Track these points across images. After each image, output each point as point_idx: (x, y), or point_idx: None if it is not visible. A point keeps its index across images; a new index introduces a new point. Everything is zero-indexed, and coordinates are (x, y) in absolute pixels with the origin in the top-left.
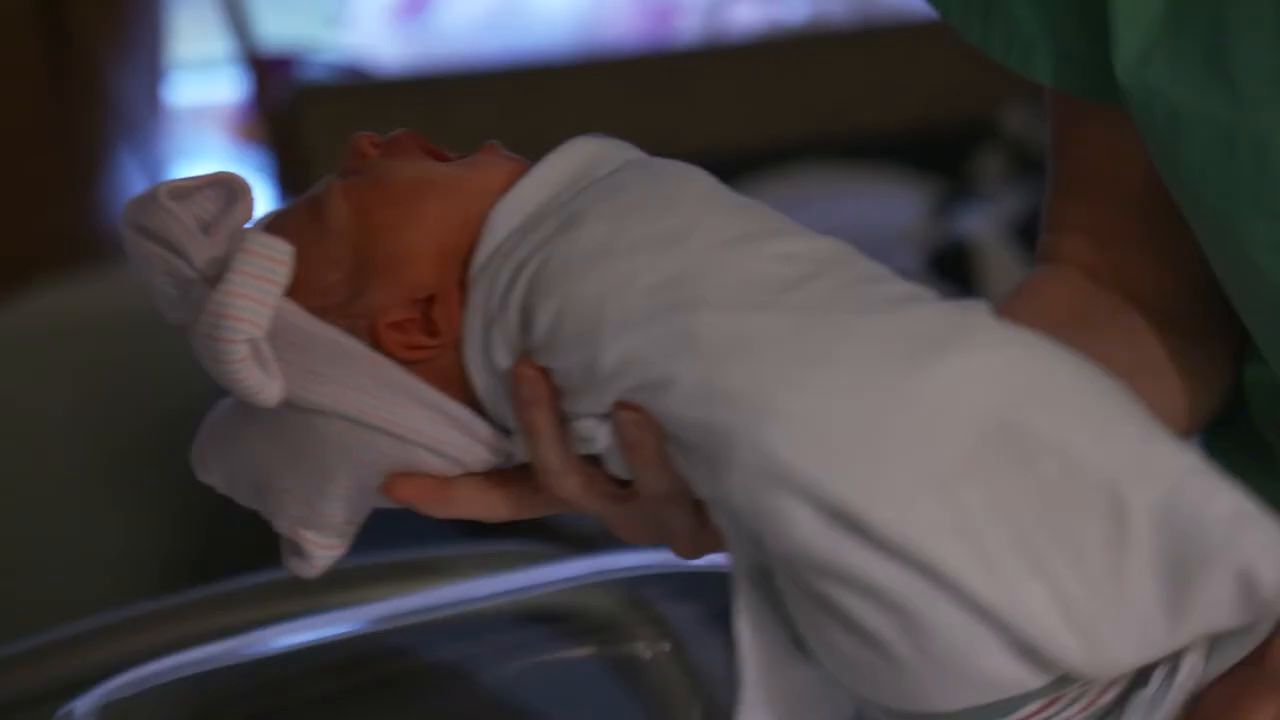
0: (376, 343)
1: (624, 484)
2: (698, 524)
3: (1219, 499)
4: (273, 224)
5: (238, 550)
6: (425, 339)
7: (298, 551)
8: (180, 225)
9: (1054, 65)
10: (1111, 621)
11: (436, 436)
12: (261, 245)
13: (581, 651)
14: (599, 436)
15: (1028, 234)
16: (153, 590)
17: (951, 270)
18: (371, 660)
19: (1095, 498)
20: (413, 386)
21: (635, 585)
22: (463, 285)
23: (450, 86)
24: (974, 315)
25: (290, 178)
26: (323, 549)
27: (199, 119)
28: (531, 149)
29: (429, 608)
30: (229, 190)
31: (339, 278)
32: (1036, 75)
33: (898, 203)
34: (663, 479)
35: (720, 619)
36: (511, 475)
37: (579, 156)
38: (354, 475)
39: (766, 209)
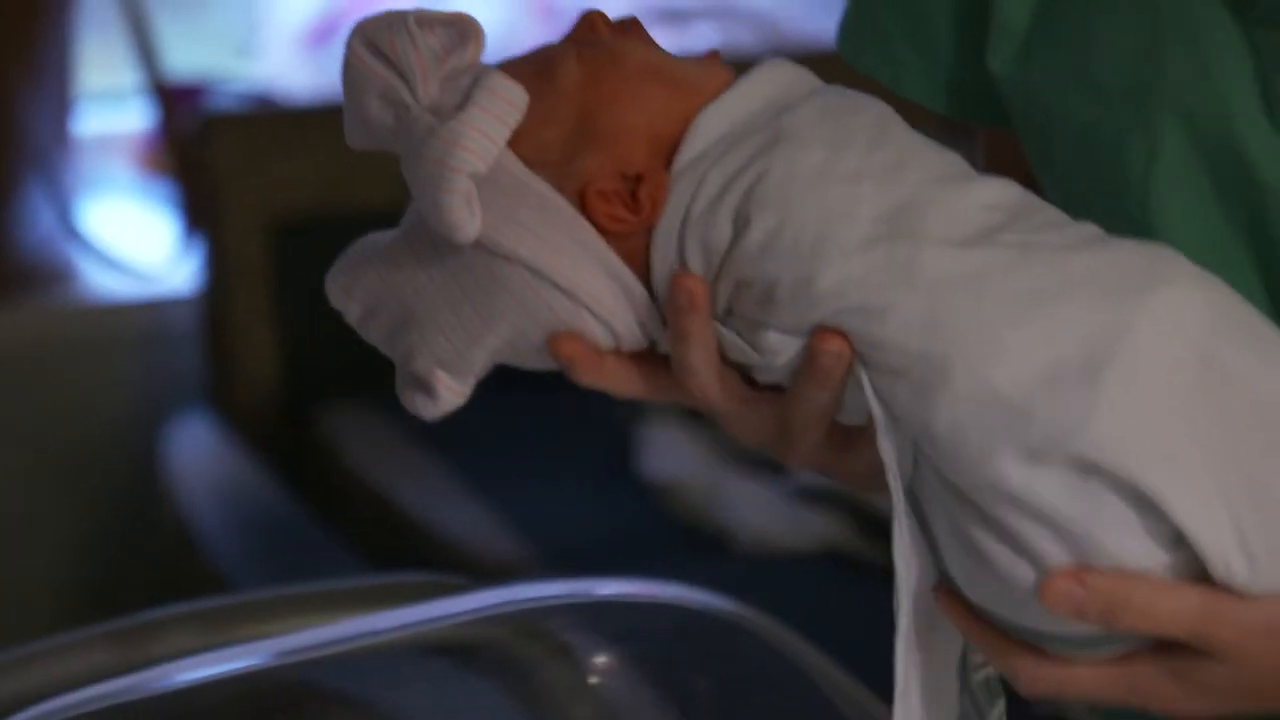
0: (581, 205)
1: (754, 385)
2: (822, 440)
3: None
4: (506, 69)
5: (141, 583)
6: (627, 213)
7: (427, 390)
8: (419, 53)
9: (926, 86)
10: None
11: (610, 307)
12: (501, 86)
13: (488, 684)
14: (784, 351)
15: None
16: (52, 623)
17: None
18: (277, 693)
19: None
20: (604, 254)
21: (542, 616)
22: (668, 173)
23: None
24: (1167, 252)
25: (198, 207)
26: (452, 393)
27: (107, 149)
28: None
29: (335, 640)
30: (462, 30)
31: (558, 136)
32: (909, 94)
33: None
34: (826, 401)
35: (629, 649)
36: (653, 359)
37: (781, 78)
38: (517, 326)
39: (952, 153)
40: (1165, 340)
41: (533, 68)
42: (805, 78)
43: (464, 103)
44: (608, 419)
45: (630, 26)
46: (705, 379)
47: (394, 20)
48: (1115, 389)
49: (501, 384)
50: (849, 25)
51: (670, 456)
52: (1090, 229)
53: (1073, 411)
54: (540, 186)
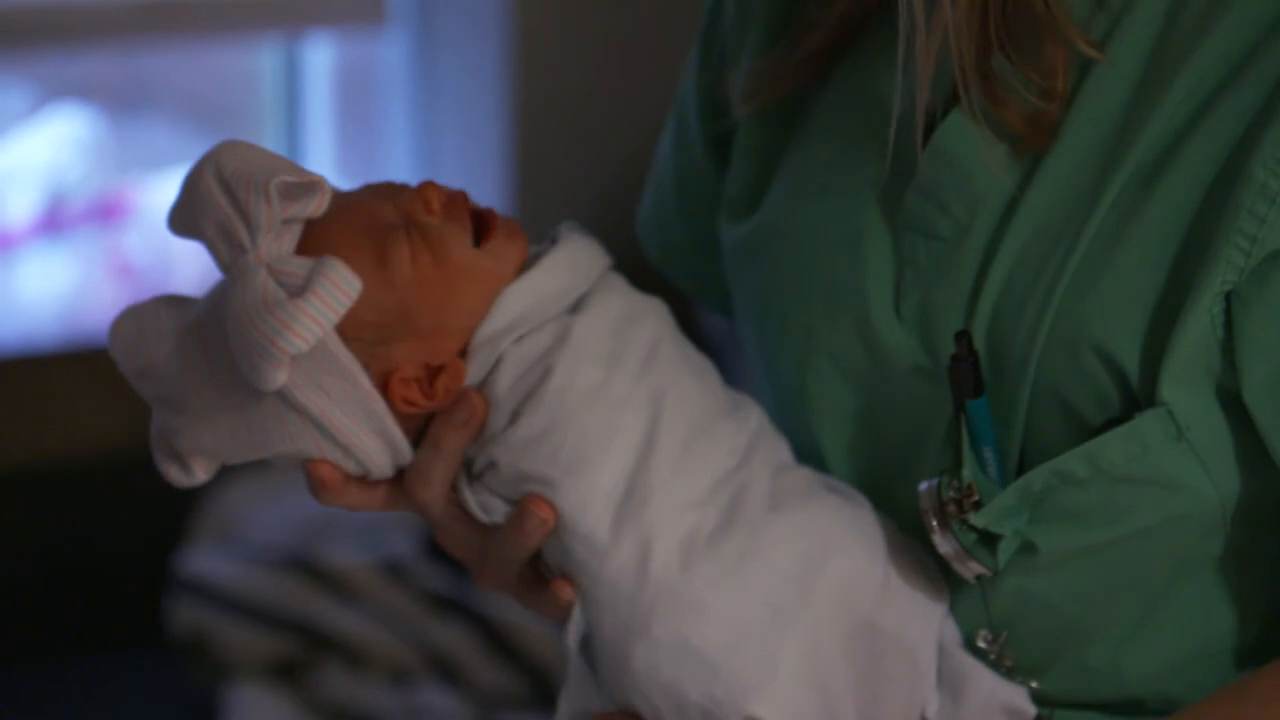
0: (380, 385)
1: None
2: (515, 576)
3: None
4: (339, 238)
5: None
6: (422, 399)
7: (183, 466)
8: (269, 212)
9: (685, 274)
10: None
11: (376, 459)
12: (341, 278)
13: None
14: (501, 511)
15: None
16: None
17: (447, 553)
18: None
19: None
20: (387, 425)
21: None
22: (463, 354)
23: None
24: (849, 513)
25: None
26: (205, 474)
27: None
28: (13, 436)
29: None
30: (312, 189)
31: (376, 321)
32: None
33: None
34: (524, 554)
35: None
36: (389, 480)
37: (577, 259)
38: (284, 453)
39: (709, 373)
40: (837, 613)
41: (366, 240)
42: (598, 257)
43: (303, 288)
44: (187, 684)
45: (457, 205)
46: (436, 491)
47: (253, 177)
48: (793, 657)
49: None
50: (644, 213)
51: (257, 717)
52: (797, 476)
53: (755, 673)
54: (348, 362)
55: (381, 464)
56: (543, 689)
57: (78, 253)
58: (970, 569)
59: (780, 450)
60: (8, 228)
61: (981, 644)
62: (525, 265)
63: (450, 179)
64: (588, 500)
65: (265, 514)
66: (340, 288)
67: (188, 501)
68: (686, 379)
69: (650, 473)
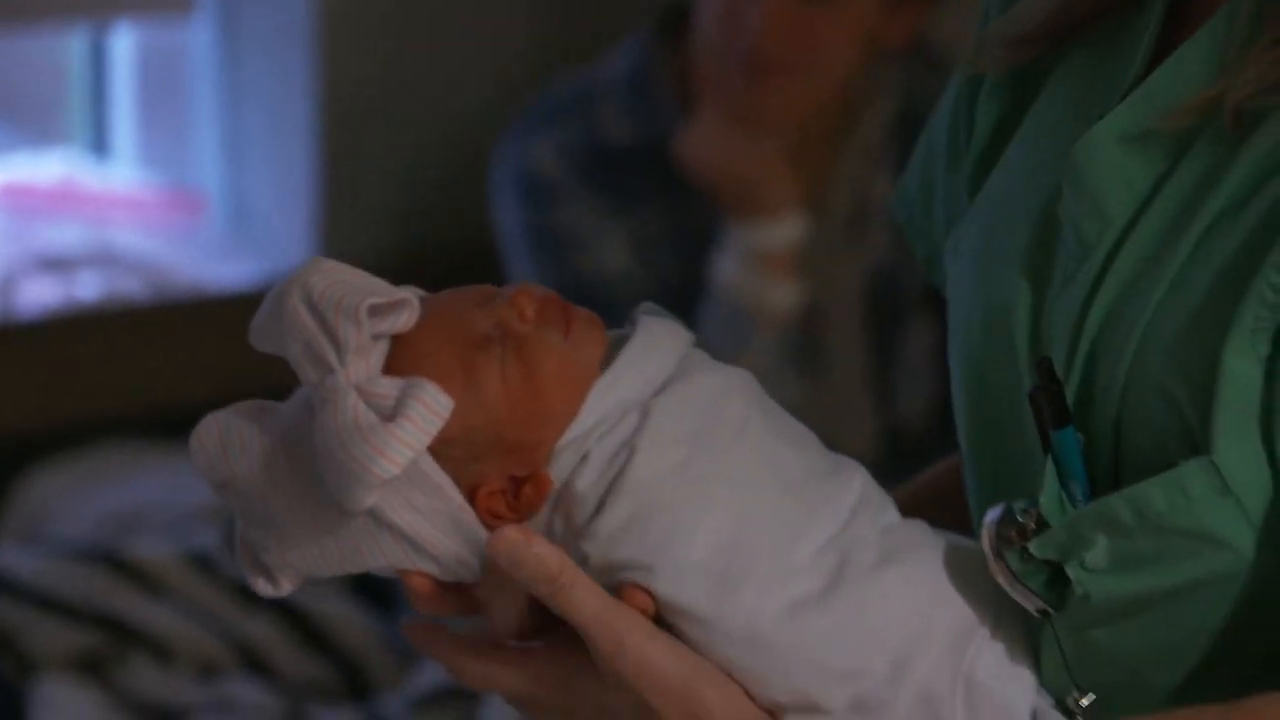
0: (469, 496)
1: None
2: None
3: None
4: (427, 354)
5: None
6: (507, 510)
7: (271, 580)
8: (359, 336)
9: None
10: None
11: (463, 566)
12: (432, 399)
13: None
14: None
15: None
16: None
17: None
18: None
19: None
20: (475, 533)
21: None
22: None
23: None
24: (934, 559)
25: None
26: (293, 586)
27: None
28: None
29: None
30: (400, 307)
31: (463, 437)
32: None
33: (197, 478)
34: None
35: None
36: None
37: (660, 344)
38: (372, 567)
39: (809, 440)
40: (946, 663)
41: (455, 356)
42: (679, 338)
43: (395, 411)
44: None
45: (550, 308)
46: (511, 616)
47: (343, 300)
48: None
49: None
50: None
51: (62, 711)
52: (907, 532)
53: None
54: (439, 479)
55: (474, 569)
56: (353, 680)
57: None
58: (1028, 599)
59: (888, 510)
60: None
61: (1070, 705)
62: (607, 356)
63: (257, 167)
64: (685, 577)
65: (70, 507)
66: (433, 409)
67: None
68: (780, 446)
69: (748, 544)
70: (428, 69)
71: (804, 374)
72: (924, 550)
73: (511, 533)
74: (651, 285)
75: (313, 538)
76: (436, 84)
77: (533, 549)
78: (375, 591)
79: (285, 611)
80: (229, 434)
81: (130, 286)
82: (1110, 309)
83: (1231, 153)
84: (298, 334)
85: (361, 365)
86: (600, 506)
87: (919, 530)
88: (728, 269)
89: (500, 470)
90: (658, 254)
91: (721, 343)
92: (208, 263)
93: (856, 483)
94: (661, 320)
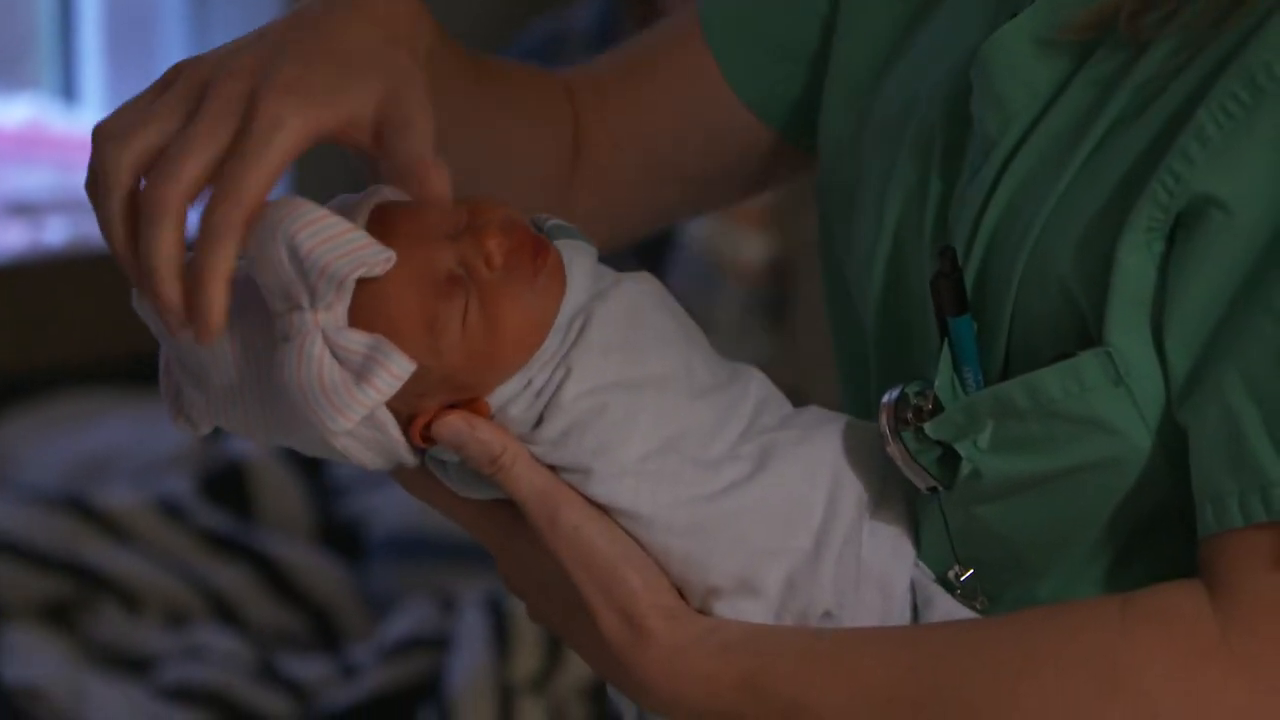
0: (405, 422)
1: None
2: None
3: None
4: (392, 296)
5: None
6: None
7: (190, 422)
8: (338, 295)
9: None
10: None
11: (375, 466)
12: (398, 366)
13: None
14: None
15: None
16: None
17: (225, 492)
18: None
19: None
20: (405, 460)
21: None
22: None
23: None
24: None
25: None
26: (209, 428)
27: None
28: None
29: None
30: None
31: (416, 377)
32: (738, 90)
33: (167, 425)
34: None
35: None
36: None
37: (581, 273)
38: (296, 447)
39: (703, 337)
40: (849, 532)
41: (418, 300)
42: (589, 252)
43: (360, 374)
44: None
45: (519, 252)
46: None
47: (328, 266)
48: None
49: None
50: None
51: (30, 660)
52: (807, 415)
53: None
54: (385, 418)
55: (379, 469)
56: (323, 629)
57: None
58: (920, 477)
59: (785, 403)
60: None
61: (951, 579)
62: None
63: None
64: (623, 479)
65: (38, 454)
66: (395, 375)
67: None
68: (691, 352)
69: (677, 442)
70: None
71: (772, 326)
72: (828, 426)
73: (455, 418)
74: None
75: (246, 411)
76: None
77: (474, 432)
78: (346, 542)
79: (255, 560)
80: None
81: (98, 232)
82: (1009, 203)
83: (1131, 60)
84: (272, 273)
85: (329, 314)
86: (539, 421)
87: (817, 413)
88: (697, 222)
89: (442, 402)
90: None
91: (690, 294)
92: None
93: (754, 383)
94: (573, 237)
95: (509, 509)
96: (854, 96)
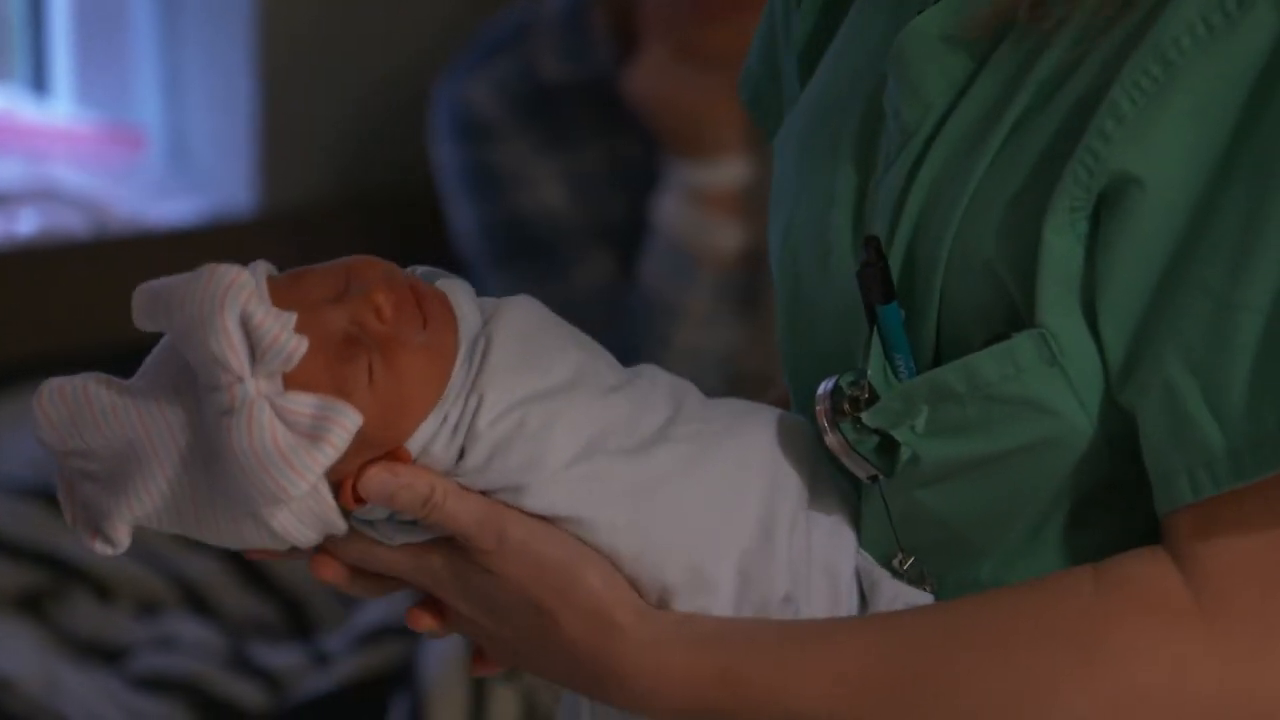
0: (334, 490)
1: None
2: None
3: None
4: (303, 368)
5: None
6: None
7: (106, 540)
8: (284, 368)
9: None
10: None
11: (309, 543)
12: (350, 420)
13: None
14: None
15: None
16: None
17: None
18: None
19: None
20: (337, 528)
21: None
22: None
23: None
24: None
25: None
26: (128, 541)
27: None
28: None
29: None
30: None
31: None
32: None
33: None
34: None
35: None
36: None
37: (467, 302)
38: (219, 544)
39: (600, 348)
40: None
41: (324, 364)
42: (463, 283)
43: (315, 434)
44: None
45: (406, 302)
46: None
47: (279, 343)
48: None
49: None
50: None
51: (2, 650)
52: (731, 405)
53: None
54: (321, 486)
55: (313, 540)
56: (295, 618)
57: None
58: (861, 467)
59: (697, 393)
60: None
61: (895, 565)
62: None
63: (197, 103)
64: (557, 487)
65: (10, 444)
66: (346, 427)
67: None
68: (587, 357)
69: (601, 442)
70: (370, 7)
71: (745, 315)
72: (757, 415)
73: (377, 471)
74: (591, 223)
75: (173, 509)
76: (378, 22)
77: (399, 480)
78: None
79: (226, 549)
80: (80, 403)
81: (70, 222)
82: (930, 190)
83: (1039, 47)
84: (216, 341)
85: (270, 382)
86: (462, 453)
87: (741, 404)
88: (670, 208)
89: (362, 461)
90: (596, 192)
91: (663, 282)
92: (148, 199)
93: (661, 375)
94: (445, 277)
95: (449, 544)
96: (790, 99)
